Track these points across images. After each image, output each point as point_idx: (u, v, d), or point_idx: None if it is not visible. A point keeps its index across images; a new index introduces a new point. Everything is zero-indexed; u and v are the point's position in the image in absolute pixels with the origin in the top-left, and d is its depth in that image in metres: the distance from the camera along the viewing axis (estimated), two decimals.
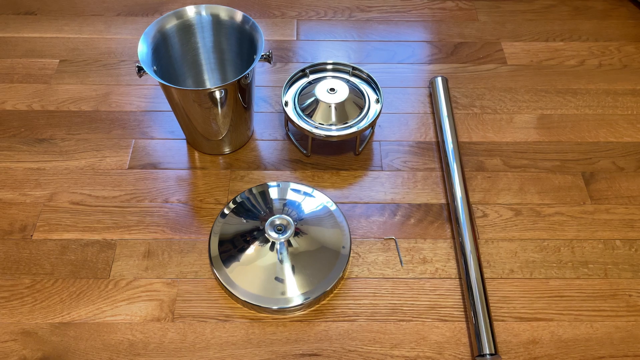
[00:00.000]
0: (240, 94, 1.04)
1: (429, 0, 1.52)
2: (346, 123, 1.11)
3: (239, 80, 0.99)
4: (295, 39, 1.40)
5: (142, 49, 1.01)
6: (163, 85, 1.00)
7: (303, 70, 1.18)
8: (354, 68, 1.19)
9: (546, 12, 1.49)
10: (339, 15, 1.46)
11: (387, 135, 1.21)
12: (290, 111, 1.13)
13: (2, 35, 1.39)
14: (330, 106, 1.10)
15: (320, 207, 1.04)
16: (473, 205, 1.09)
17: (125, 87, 1.28)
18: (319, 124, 1.11)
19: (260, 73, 1.32)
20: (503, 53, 1.38)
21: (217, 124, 1.07)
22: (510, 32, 1.44)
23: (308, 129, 1.10)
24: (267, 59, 1.04)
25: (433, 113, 1.26)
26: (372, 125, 1.13)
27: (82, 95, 1.26)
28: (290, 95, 1.16)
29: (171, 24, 1.06)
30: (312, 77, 1.18)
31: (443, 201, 1.10)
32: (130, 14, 1.45)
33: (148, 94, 1.26)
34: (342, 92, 1.12)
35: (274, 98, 1.27)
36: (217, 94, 1.00)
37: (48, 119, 1.21)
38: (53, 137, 1.18)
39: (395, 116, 1.25)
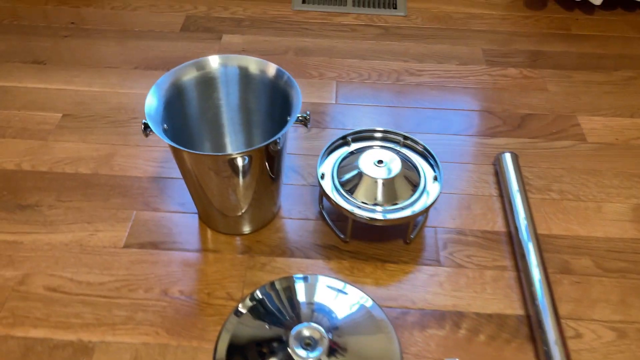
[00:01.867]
0: (268, 162, 0.84)
1: (488, 65, 1.34)
2: (396, 204, 0.90)
3: (267, 146, 0.80)
4: (333, 102, 1.22)
5: (152, 103, 0.83)
6: (173, 148, 0.80)
7: (344, 137, 0.99)
8: (405, 137, 0.99)
9: (626, 85, 1.30)
10: (385, 79, 1.29)
11: (445, 221, 0.99)
12: (327, 185, 0.92)
13: (2, 85, 1.24)
14: (376, 182, 0.90)
15: (362, 312, 0.81)
16: (562, 321, 0.84)
17: (133, 148, 1.10)
18: (362, 202, 0.89)
19: (292, 139, 1.13)
20: (580, 128, 1.17)
21: (236, 197, 0.87)
22: (586, 105, 1.24)
23: (348, 209, 0.88)
24: (304, 121, 0.85)
25: (501, 196, 1.04)
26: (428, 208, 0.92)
27: (81, 155, 1.08)
28: (327, 167, 0.95)
29: (190, 75, 0.89)
30: (354, 146, 0.98)
31: (520, 312, 0.85)
32: (149, 67, 1.30)
33: (158, 157, 1.08)
34: (393, 166, 0.91)
35: (306, 169, 1.07)
36: (240, 162, 0.80)
37: (37, 182, 1.03)
38: (39, 203, 0.99)
39: (454, 197, 1.03)
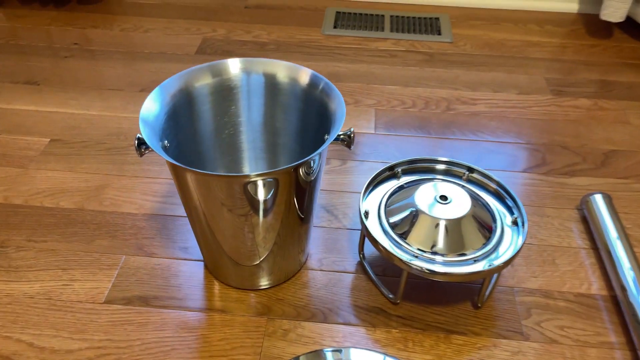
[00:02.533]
0: (297, 195, 0.63)
1: (555, 95, 1.14)
2: (463, 254, 0.68)
3: (298, 169, 0.59)
4: (372, 131, 1.02)
5: (151, 109, 0.64)
6: (174, 168, 0.60)
7: (392, 167, 0.78)
8: (471, 170, 0.78)
9: None
10: (432, 107, 1.09)
11: (525, 279, 0.75)
12: (373, 226, 0.71)
13: None
14: (438, 223, 0.68)
15: None
16: None
17: (130, 179, 0.90)
18: (418, 250, 0.67)
19: (323, 172, 0.92)
20: None
21: (254, 240, 0.66)
22: None
23: (401, 257, 0.66)
24: (347, 141, 0.65)
25: (594, 248, 0.81)
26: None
27: (65, 187, 0.88)
28: (372, 204, 0.74)
29: (203, 82, 0.70)
30: (404, 179, 0.77)
31: None
32: None
33: (159, 190, 0.88)
34: (460, 203, 0.70)
35: (341, 208, 0.86)
36: (261, 190, 0.59)
37: (8, 217, 0.83)
38: (5, 243, 0.79)
39: (532, 248, 0.80)
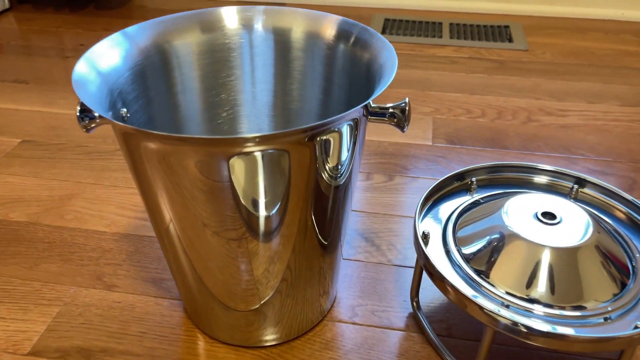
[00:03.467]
0: (317, 204, 0.41)
1: None
2: (582, 307, 0.41)
3: (313, 143, 0.36)
4: (429, 143, 0.78)
5: (105, 59, 0.42)
6: (123, 138, 0.38)
7: (462, 176, 0.53)
8: (582, 182, 0.52)
9: None
10: (509, 117, 0.84)
11: None
12: (436, 256, 0.45)
13: None
14: (540, 255, 0.42)
15: None
16: None
17: (106, 189, 0.68)
18: (507, 294, 0.41)
19: (361, 189, 0.68)
20: None
21: (251, 274, 0.43)
22: None
23: (483, 305, 0.40)
24: (398, 116, 0.41)
25: None
26: None
27: (23, 195, 0.68)
28: (434, 225, 0.49)
29: (188, 38, 0.49)
30: (479, 195, 0.52)
31: None
32: None
33: (142, 204, 0.66)
34: (576, 225, 0.44)
35: (386, 235, 0.61)
36: (262, 178, 0.36)
37: None
38: None
39: None
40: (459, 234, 0.48)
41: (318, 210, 0.42)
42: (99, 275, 0.57)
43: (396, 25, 1.20)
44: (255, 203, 0.40)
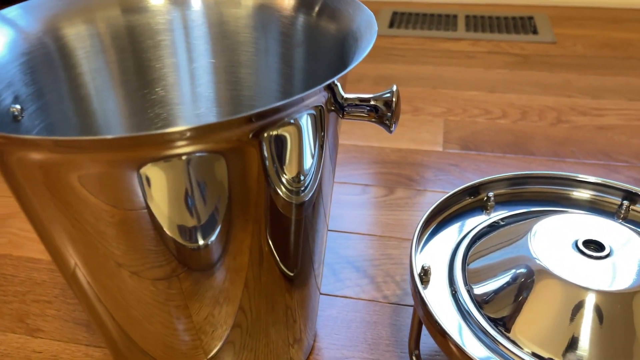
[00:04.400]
0: (274, 221, 0.29)
1: None
2: None
3: (260, 140, 0.25)
4: (440, 149, 0.66)
5: None
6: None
7: (476, 190, 0.41)
8: (633, 198, 0.39)
9: None
10: (535, 118, 0.72)
11: None
12: (438, 300, 0.33)
13: None
14: (582, 301, 0.30)
15: None
16: None
17: None
18: (534, 355, 0.29)
19: (354, 205, 0.57)
20: None
21: (191, 322, 0.31)
22: None
23: None
24: (380, 109, 0.29)
25: None
26: None
27: None
28: (438, 256, 0.37)
29: (104, 19, 0.38)
30: (500, 213, 0.40)
31: None
32: None
33: None
34: (631, 259, 0.31)
35: (383, 264, 0.49)
36: (194, 181, 0.24)
37: None
38: None
39: None
40: (471, 266, 0.36)
41: (276, 234, 0.31)
42: (22, 315, 0.46)
43: (405, 18, 1.09)
44: (184, 231, 0.29)
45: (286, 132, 0.27)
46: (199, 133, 0.23)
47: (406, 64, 0.90)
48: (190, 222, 0.28)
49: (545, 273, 0.33)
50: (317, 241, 0.35)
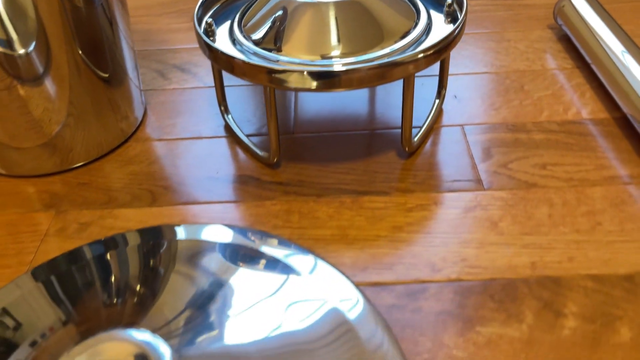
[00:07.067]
0: (77, 28, 0.39)
1: None
2: (379, 50, 0.42)
3: None
4: None
5: None
6: None
7: None
8: None
9: None
10: None
11: (479, 114, 0.51)
12: (223, 46, 0.45)
13: None
14: (326, 12, 0.42)
15: (318, 308, 0.30)
16: None
17: None
18: (305, 63, 0.42)
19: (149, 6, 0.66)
20: None
21: (31, 116, 0.41)
22: None
23: (266, 66, 0.40)
24: None
25: (580, 67, 0.57)
26: (446, 72, 0.45)
27: None
28: (221, 23, 0.48)
29: None
30: None
31: None
32: None
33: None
34: None
35: (205, 63, 0.60)
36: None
37: None
38: None
39: (489, 78, 0.56)
40: (247, 26, 0.47)
41: (86, 49, 0.41)
42: None
43: None
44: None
45: None
46: None
47: None
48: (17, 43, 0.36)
49: (294, 3, 0.44)
50: (123, 46, 0.46)
